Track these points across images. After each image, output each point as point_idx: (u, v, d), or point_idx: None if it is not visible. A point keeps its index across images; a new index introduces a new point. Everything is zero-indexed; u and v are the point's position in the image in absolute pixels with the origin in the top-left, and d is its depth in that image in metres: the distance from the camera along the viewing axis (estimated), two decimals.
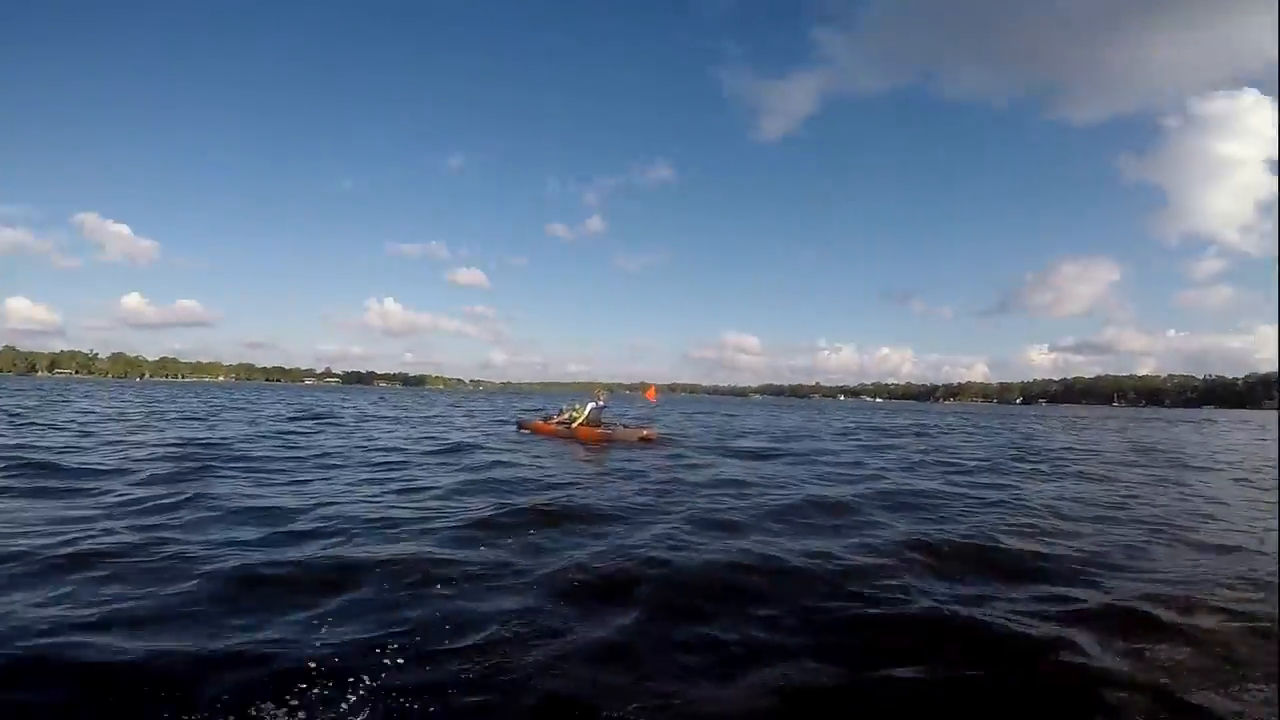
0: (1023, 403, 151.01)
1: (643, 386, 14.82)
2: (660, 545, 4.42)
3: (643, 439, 12.91)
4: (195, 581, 3.44)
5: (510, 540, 4.53)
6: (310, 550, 4.12)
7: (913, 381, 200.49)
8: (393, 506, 5.66)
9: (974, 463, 10.88)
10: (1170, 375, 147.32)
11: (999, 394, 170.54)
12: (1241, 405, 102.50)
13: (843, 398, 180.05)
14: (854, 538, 4.91)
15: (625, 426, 13.94)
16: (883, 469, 9.59)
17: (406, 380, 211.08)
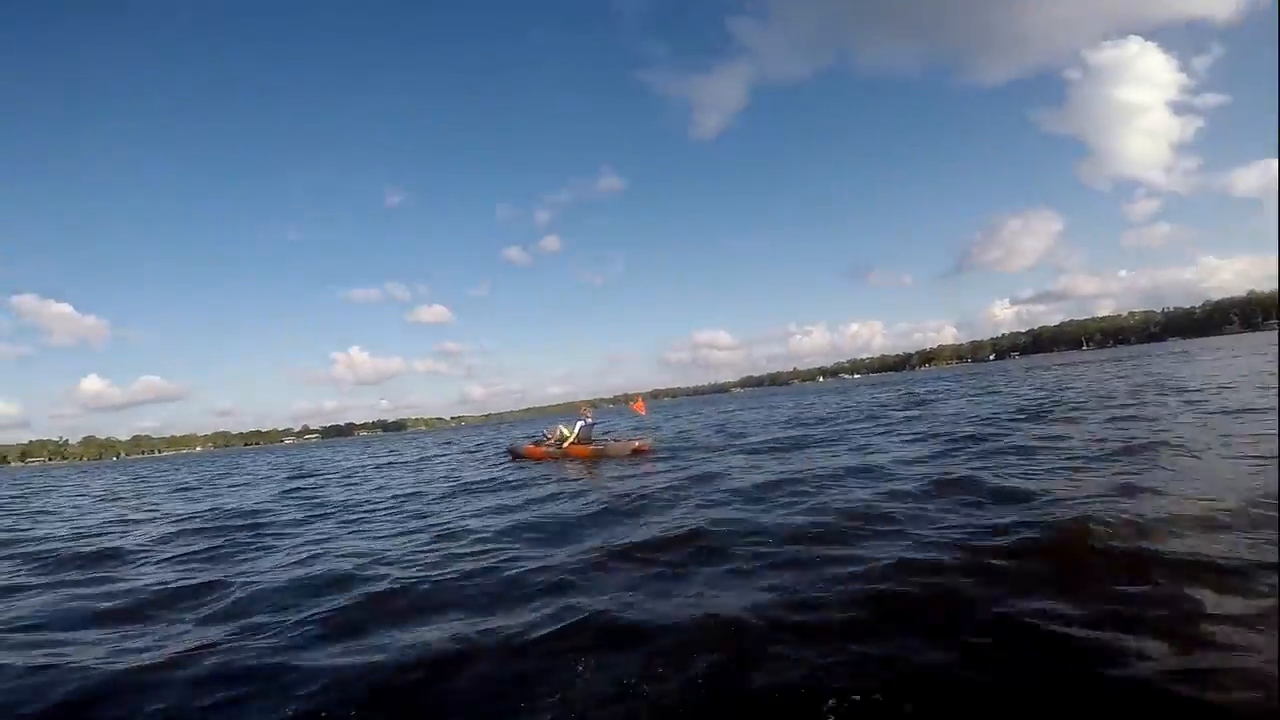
0: (995, 358, 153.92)
1: (628, 398, 13.97)
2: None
3: (635, 451, 12.23)
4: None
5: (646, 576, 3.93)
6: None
7: (886, 353, 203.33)
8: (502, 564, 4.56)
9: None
10: (1131, 313, 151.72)
11: (971, 353, 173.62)
12: (1203, 333, 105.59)
13: (821, 379, 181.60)
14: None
15: (616, 440, 13.24)
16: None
17: (386, 426, 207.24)
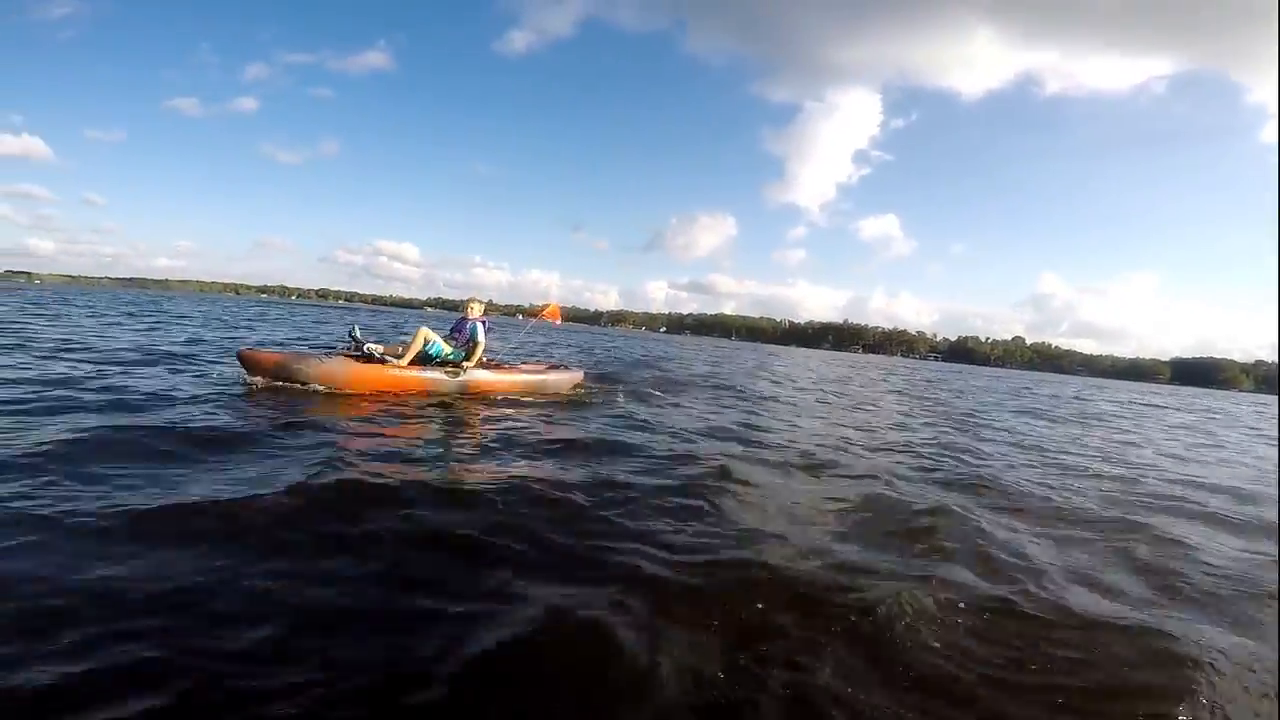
0: (666, 332, 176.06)
1: (533, 310, 8.00)
2: None
3: (577, 387, 7.86)
4: None
5: None
6: None
7: (560, 304, 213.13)
8: None
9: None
10: (764, 317, 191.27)
11: (648, 323, 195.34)
12: (811, 345, 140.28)
13: (520, 318, 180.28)
14: None
15: (525, 364, 7.88)
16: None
17: None
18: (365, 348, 6.42)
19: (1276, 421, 5.21)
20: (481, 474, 3.67)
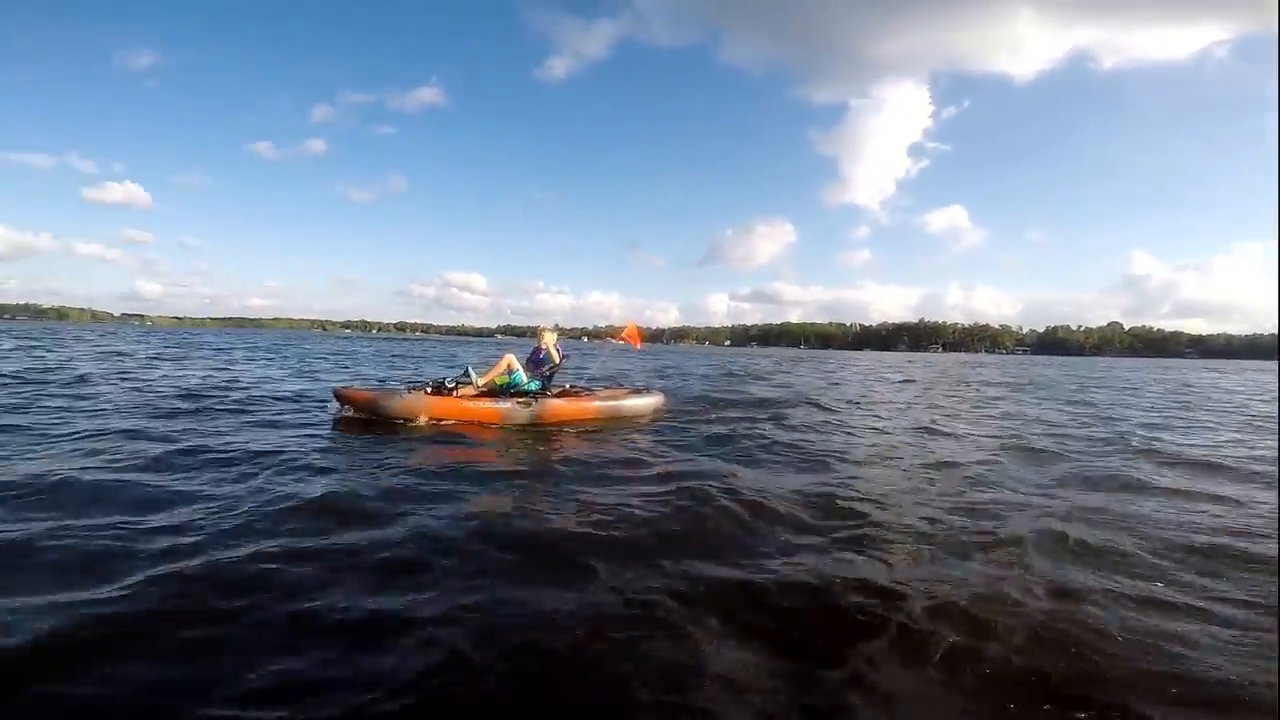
0: (731, 345, 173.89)
1: (610, 331, 7.91)
2: None
3: (658, 411, 7.60)
4: None
5: None
6: None
7: (614, 324, 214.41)
8: None
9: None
10: (833, 322, 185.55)
11: (711, 338, 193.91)
12: (885, 348, 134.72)
13: (585, 340, 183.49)
14: None
15: (608, 388, 7.85)
16: None
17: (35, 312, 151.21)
18: (448, 381, 6.57)
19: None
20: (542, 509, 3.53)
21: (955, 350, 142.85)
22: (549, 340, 6.92)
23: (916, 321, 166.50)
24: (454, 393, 6.38)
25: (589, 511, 3.45)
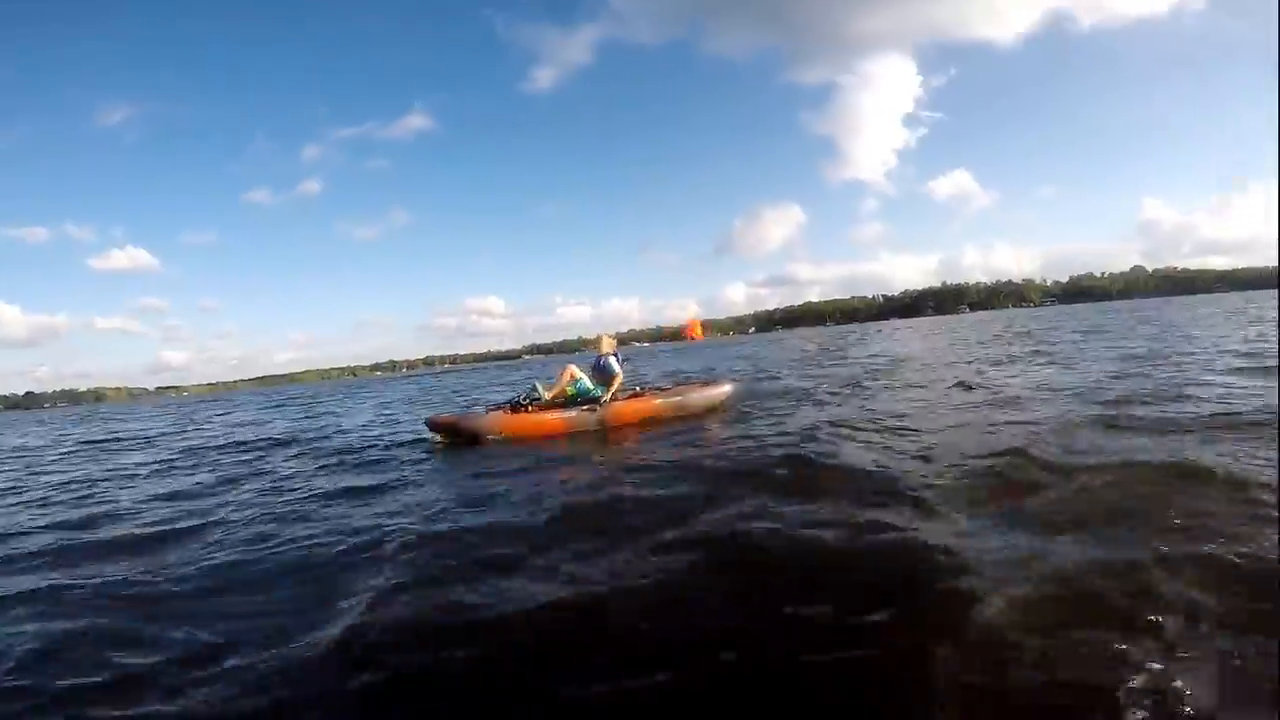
0: (756, 331, 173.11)
1: (683, 329, 8.21)
2: None
3: (724, 402, 7.81)
4: None
5: None
6: None
7: (634, 327, 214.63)
8: None
9: None
10: (855, 296, 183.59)
11: (734, 328, 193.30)
12: (910, 315, 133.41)
13: (650, 344, 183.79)
14: None
15: (679, 385, 8.20)
16: None
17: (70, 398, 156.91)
18: (521, 398, 7.23)
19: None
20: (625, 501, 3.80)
21: (982, 309, 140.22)
22: (608, 346, 7.45)
23: (940, 285, 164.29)
24: (526, 409, 7.02)
25: (673, 499, 3.69)
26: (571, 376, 7.20)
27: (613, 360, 7.32)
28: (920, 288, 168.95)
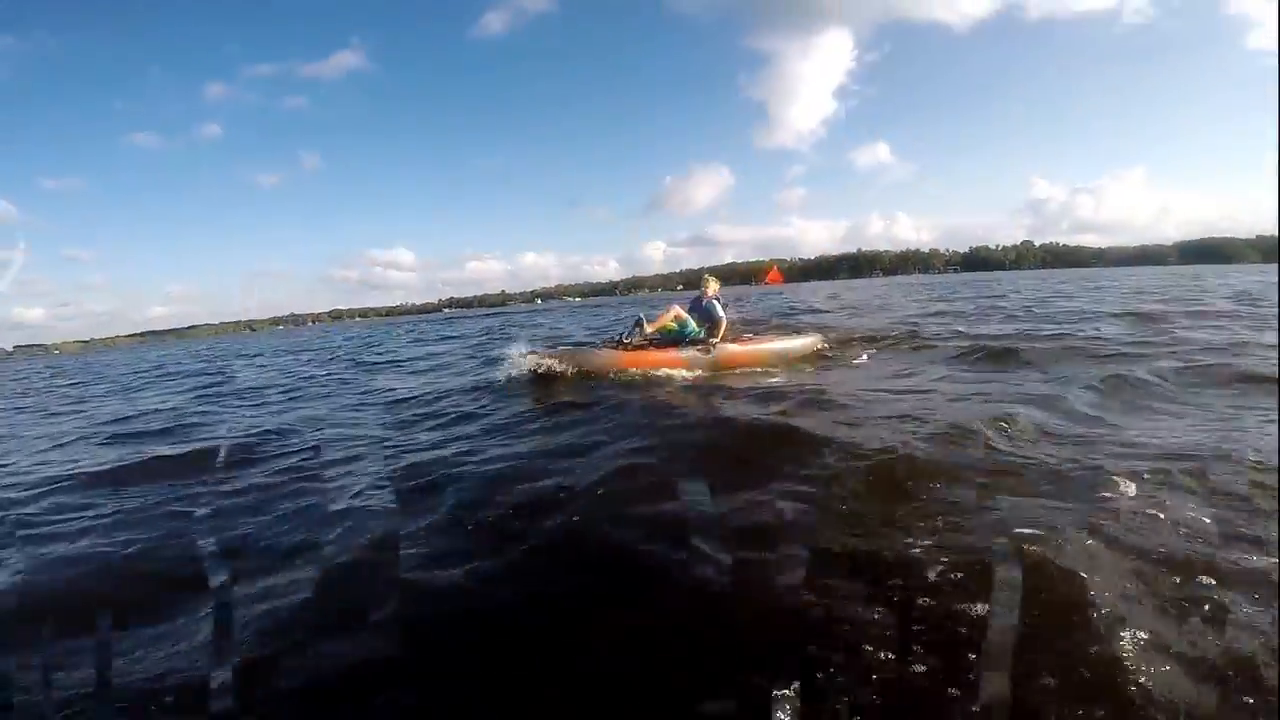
0: (684, 289, 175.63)
1: (764, 270, 8.49)
2: None
3: (820, 349, 8.29)
4: None
5: None
6: None
7: (562, 283, 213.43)
8: None
9: None
10: (772, 260, 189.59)
11: (664, 284, 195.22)
12: (827, 278, 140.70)
13: (539, 301, 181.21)
14: None
15: (760, 334, 8.44)
16: None
17: None
18: (625, 337, 7.53)
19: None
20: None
21: (892, 274, 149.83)
22: (712, 288, 7.74)
23: (855, 252, 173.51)
24: (627, 346, 7.32)
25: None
26: (677, 318, 7.52)
27: (716, 304, 7.59)
28: (832, 253, 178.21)
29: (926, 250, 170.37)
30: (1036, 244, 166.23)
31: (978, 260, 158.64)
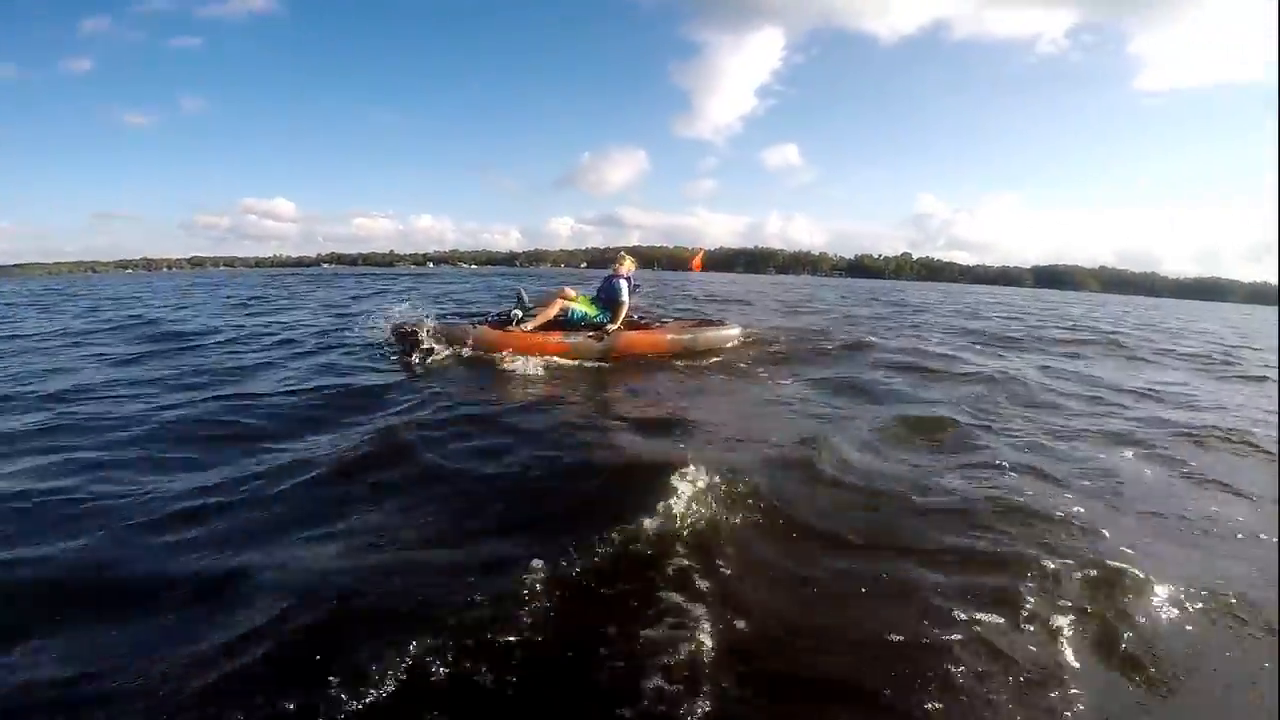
0: (588, 268, 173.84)
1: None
2: None
3: (737, 341, 7.53)
4: None
5: None
6: None
7: (458, 248, 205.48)
8: None
9: None
10: (678, 246, 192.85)
11: (568, 260, 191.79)
12: (725, 270, 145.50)
13: (431, 265, 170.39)
14: None
15: (677, 320, 7.88)
16: None
17: None
18: (511, 313, 6.63)
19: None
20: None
21: (784, 273, 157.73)
22: (626, 267, 6.94)
23: (752, 248, 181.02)
24: (517, 326, 6.47)
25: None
26: (562, 307, 6.68)
27: (623, 284, 6.77)
28: (731, 247, 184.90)
29: (817, 253, 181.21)
30: (914, 256, 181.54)
31: (860, 267, 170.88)
